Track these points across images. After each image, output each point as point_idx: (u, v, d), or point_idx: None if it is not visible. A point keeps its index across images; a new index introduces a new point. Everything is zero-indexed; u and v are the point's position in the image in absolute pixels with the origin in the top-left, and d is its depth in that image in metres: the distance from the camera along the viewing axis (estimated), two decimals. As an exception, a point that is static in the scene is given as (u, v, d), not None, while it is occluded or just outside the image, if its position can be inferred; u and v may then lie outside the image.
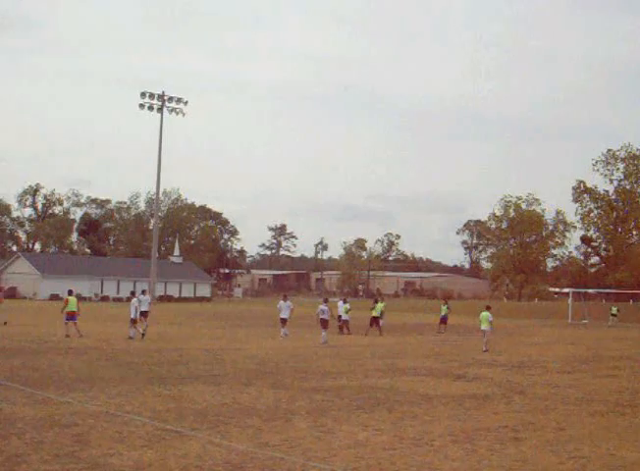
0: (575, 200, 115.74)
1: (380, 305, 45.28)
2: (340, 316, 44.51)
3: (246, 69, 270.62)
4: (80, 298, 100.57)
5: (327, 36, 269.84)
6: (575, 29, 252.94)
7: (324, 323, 37.69)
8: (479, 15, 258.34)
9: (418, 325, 58.12)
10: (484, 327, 35.17)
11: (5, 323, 41.48)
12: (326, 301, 40.17)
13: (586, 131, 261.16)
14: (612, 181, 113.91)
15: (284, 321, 40.11)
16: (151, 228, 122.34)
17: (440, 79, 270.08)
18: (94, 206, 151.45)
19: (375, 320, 44.54)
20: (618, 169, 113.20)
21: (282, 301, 41.47)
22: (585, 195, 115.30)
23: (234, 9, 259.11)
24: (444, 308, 49.95)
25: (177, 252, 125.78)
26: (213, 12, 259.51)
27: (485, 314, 35.43)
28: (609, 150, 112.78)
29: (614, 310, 70.16)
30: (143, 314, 37.86)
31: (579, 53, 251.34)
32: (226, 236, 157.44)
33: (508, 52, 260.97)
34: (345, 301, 45.88)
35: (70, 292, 38.49)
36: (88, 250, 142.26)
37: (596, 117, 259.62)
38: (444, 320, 49.50)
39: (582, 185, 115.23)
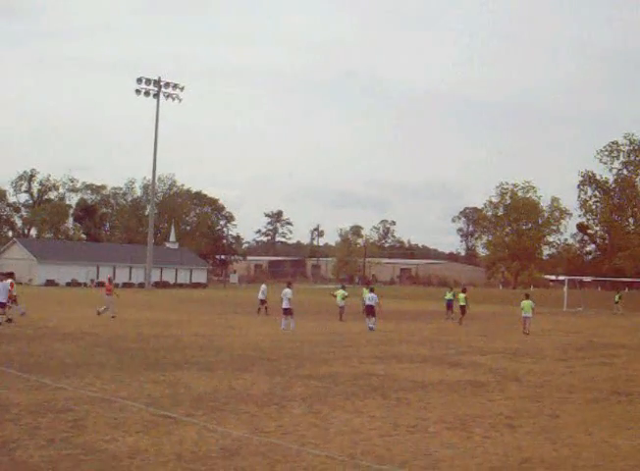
0: (579, 187, 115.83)
1: (462, 295, 46.39)
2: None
3: (243, 54, 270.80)
4: (76, 284, 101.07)
5: (326, 22, 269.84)
6: (571, 16, 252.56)
7: (370, 310, 38.14)
8: (480, 1, 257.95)
9: (413, 312, 58.16)
10: (527, 314, 38.45)
11: (113, 316, 39.86)
12: (372, 290, 40.47)
13: (584, 120, 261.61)
14: (611, 169, 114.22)
15: (287, 311, 37.00)
16: (147, 214, 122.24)
17: (438, 66, 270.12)
18: (90, 192, 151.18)
19: (462, 308, 45.65)
20: (619, 158, 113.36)
21: (287, 289, 37.99)
22: (589, 184, 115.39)
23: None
24: (449, 294, 49.83)
25: (172, 238, 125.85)
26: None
27: (528, 302, 38.82)
28: (614, 142, 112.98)
29: (617, 298, 70.39)
30: None
31: (578, 40, 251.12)
32: (222, 223, 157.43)
33: (508, 39, 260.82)
34: (343, 287, 46.86)
35: (9, 275, 36.98)
36: (84, 236, 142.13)
37: (595, 105, 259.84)
38: (449, 305, 49.31)
39: (589, 175, 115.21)
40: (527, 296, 40.39)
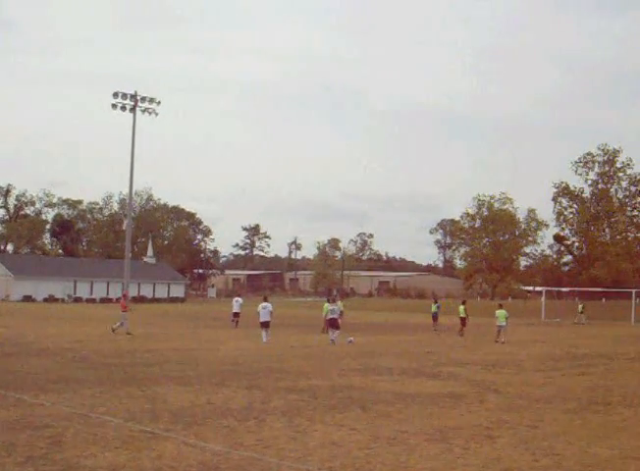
0: (554, 199, 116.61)
1: (461, 307, 46.46)
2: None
3: (220, 68, 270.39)
4: (53, 300, 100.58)
5: (305, 36, 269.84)
6: (549, 29, 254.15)
7: (333, 322, 37.47)
8: (457, 15, 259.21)
9: (392, 324, 58.20)
10: (502, 323, 40.27)
11: (129, 333, 39.64)
12: (334, 301, 40.13)
13: (561, 133, 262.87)
14: (587, 180, 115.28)
15: (267, 324, 36.90)
16: (124, 228, 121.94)
17: (417, 80, 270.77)
18: (66, 207, 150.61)
19: (462, 320, 45.64)
20: (593, 169, 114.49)
21: (267, 303, 38.01)
22: (563, 195, 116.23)
23: (209, 8, 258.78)
24: (434, 306, 51.40)
25: (150, 253, 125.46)
26: (189, 10, 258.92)
27: (502, 312, 40.76)
28: (588, 153, 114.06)
29: (581, 308, 70.93)
30: None
31: (556, 54, 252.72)
32: (199, 237, 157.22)
33: (486, 54, 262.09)
34: (329, 301, 47.01)
35: None
36: (61, 251, 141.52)
37: (571, 118, 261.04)
38: (435, 317, 50.75)
39: (563, 186, 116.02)
40: (501, 306, 42.64)
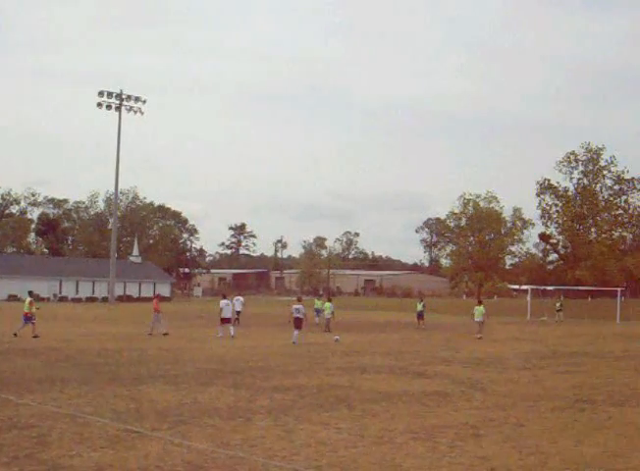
0: (538, 195, 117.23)
1: (480, 308, 44.55)
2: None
3: (206, 68, 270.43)
4: (38, 299, 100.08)
5: (291, 36, 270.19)
6: (538, 29, 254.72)
7: (298, 322, 36.67)
8: (445, 14, 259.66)
9: (378, 323, 58.22)
10: (479, 318, 42.28)
11: (166, 333, 39.85)
12: (300, 300, 39.76)
13: (547, 132, 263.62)
14: (571, 179, 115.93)
15: (230, 320, 39.64)
16: (110, 227, 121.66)
17: (402, 79, 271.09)
18: (51, 206, 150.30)
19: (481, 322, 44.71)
20: (578, 168, 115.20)
21: (227, 300, 40.59)
22: (547, 192, 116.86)
23: (196, 7, 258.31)
24: (419, 305, 51.78)
25: (136, 252, 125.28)
26: (175, 10, 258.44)
27: (480, 308, 42.71)
28: (571, 152, 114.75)
29: (559, 305, 70.81)
30: None
31: (544, 54, 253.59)
32: (185, 236, 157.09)
33: (473, 53, 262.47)
34: (329, 300, 47.22)
35: (29, 294, 39.06)
36: (46, 250, 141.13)
37: (558, 117, 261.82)
38: (420, 316, 51.13)
39: (546, 182, 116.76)
40: (480, 303, 44.48)
